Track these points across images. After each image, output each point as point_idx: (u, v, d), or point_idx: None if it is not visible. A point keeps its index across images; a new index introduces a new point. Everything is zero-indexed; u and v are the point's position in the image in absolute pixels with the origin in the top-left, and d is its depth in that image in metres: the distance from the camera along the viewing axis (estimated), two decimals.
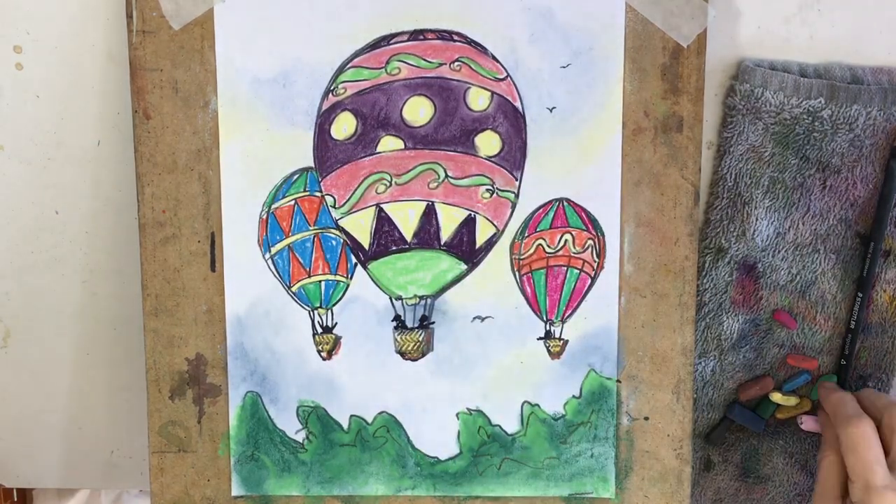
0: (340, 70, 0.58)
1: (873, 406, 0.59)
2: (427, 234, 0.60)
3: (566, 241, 0.60)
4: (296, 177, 0.59)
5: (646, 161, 0.59)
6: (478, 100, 0.59)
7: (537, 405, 0.62)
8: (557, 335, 0.61)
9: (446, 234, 0.60)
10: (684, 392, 0.61)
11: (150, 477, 0.61)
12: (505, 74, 0.59)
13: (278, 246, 0.60)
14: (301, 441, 0.62)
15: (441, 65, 0.58)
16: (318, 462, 0.62)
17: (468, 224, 0.60)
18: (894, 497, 0.54)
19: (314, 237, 0.60)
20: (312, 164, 0.59)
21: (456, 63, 0.58)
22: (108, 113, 0.61)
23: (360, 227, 0.60)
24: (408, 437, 0.62)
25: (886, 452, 0.57)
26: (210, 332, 0.60)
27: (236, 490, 0.62)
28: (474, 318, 0.61)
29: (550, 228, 0.60)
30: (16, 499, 0.72)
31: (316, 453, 0.62)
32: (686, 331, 0.61)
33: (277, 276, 0.60)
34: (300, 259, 0.60)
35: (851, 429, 0.57)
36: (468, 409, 0.62)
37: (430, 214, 0.60)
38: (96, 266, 0.64)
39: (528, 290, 0.61)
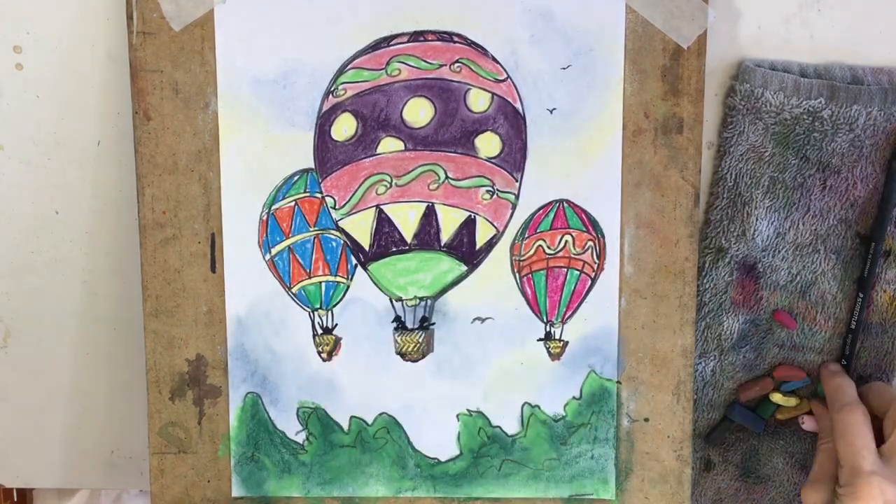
0: (341, 71, 0.58)
1: (880, 397, 0.60)
2: (427, 236, 0.60)
3: (566, 242, 0.60)
4: (296, 178, 0.59)
5: (646, 162, 0.59)
6: (478, 101, 0.59)
7: (537, 406, 0.62)
8: (557, 336, 0.61)
9: (446, 235, 0.60)
10: (684, 393, 0.61)
11: (150, 478, 0.61)
12: (505, 76, 0.58)
13: (279, 247, 0.60)
14: (301, 442, 0.62)
15: (441, 66, 0.58)
16: (318, 463, 0.62)
17: (468, 225, 0.60)
18: (879, 481, 0.54)
19: (314, 238, 0.60)
20: (313, 166, 0.59)
21: (456, 64, 0.58)
22: (108, 113, 0.61)
23: (361, 228, 0.60)
24: (408, 439, 0.62)
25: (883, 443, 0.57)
26: (210, 333, 0.60)
27: (236, 491, 0.62)
28: (474, 320, 0.61)
29: (551, 229, 0.60)
30: (16, 499, 0.72)
31: (316, 454, 0.62)
32: (686, 332, 0.61)
33: (277, 277, 0.60)
34: (300, 260, 0.60)
35: (843, 415, 0.58)
36: (468, 410, 0.62)
37: (430, 215, 0.59)
38: (96, 266, 0.64)
39: (529, 291, 0.61)
